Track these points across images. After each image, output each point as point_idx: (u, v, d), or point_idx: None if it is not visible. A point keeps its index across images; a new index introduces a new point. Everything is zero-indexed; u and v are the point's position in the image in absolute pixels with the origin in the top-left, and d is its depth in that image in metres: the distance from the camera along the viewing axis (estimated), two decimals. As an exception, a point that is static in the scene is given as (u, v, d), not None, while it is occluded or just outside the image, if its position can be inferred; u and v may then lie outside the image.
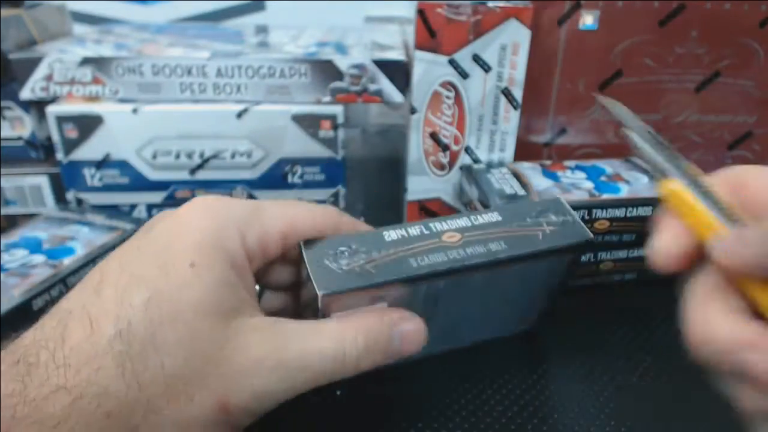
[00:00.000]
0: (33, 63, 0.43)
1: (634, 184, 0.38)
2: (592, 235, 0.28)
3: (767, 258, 0.20)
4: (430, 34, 0.39)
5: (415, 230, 0.27)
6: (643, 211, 0.36)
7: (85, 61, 0.44)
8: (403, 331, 0.25)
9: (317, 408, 0.29)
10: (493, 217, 0.28)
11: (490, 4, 0.39)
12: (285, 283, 0.29)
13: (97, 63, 0.44)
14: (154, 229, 0.24)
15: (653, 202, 0.36)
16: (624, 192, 0.37)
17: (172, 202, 0.47)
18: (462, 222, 0.27)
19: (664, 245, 0.22)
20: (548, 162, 0.42)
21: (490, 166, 0.42)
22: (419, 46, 0.40)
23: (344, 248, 0.25)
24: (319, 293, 0.24)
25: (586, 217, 0.36)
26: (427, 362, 0.31)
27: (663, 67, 0.44)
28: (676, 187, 0.23)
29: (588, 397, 0.31)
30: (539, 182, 0.39)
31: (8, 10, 0.47)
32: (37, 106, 0.46)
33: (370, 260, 0.25)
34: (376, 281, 0.24)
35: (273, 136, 0.45)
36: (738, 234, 0.21)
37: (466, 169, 0.42)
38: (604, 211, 0.36)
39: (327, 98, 0.45)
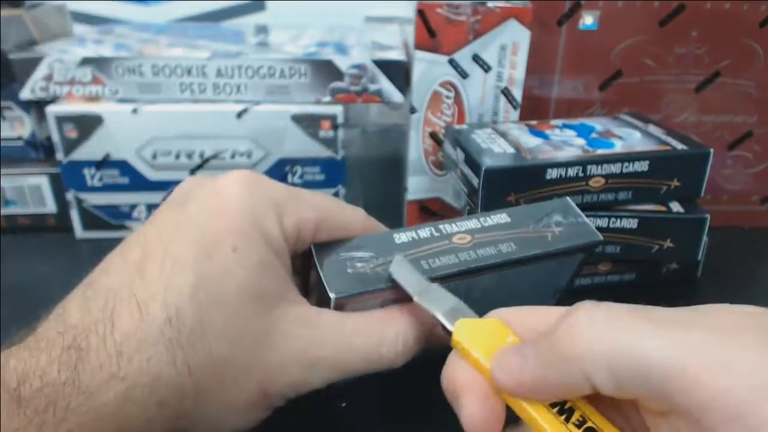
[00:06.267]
0: (33, 63, 0.43)
1: (628, 139, 0.37)
2: (601, 237, 0.28)
3: (548, 375, 0.18)
4: (430, 34, 0.39)
5: (425, 232, 0.27)
6: (639, 166, 0.35)
7: (85, 61, 0.44)
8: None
9: (318, 417, 0.29)
10: (502, 218, 0.28)
11: (490, 4, 0.39)
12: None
13: (97, 63, 0.44)
14: (191, 202, 0.23)
15: (649, 157, 0.35)
16: (618, 147, 0.36)
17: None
18: (472, 224, 0.28)
19: (470, 414, 0.19)
20: (534, 122, 0.41)
21: (473, 127, 0.40)
22: (419, 46, 0.40)
23: (354, 251, 0.25)
24: (331, 296, 0.23)
25: (581, 175, 0.34)
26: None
27: (663, 67, 0.44)
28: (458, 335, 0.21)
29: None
30: (528, 140, 0.37)
31: (8, 10, 0.47)
32: (37, 106, 0.46)
33: (381, 263, 0.25)
34: (387, 284, 0.24)
35: (273, 136, 0.45)
36: (518, 348, 0.19)
37: (451, 132, 0.40)
38: (599, 167, 0.34)
39: (327, 98, 0.45)
